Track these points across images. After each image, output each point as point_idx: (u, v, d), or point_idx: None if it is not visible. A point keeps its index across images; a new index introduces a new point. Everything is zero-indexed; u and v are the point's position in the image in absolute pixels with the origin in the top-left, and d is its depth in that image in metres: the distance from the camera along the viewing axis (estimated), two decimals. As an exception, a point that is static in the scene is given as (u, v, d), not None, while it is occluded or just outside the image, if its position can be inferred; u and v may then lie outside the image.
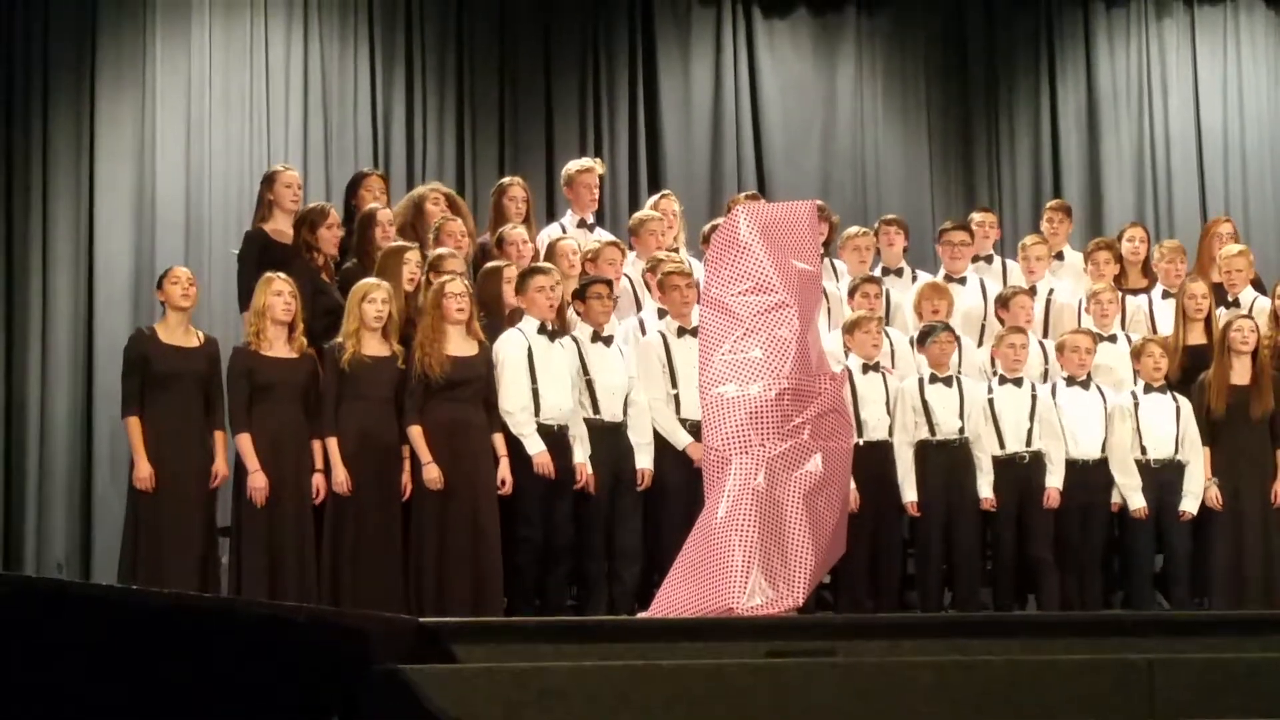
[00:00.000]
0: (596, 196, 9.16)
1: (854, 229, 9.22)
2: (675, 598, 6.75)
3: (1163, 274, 9.04)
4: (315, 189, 9.82)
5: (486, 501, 7.42)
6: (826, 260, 8.77)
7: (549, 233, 8.94)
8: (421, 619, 6.39)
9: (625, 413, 7.81)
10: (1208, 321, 8.46)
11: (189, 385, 7.45)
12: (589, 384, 7.76)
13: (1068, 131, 11.58)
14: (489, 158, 10.91)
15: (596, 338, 7.84)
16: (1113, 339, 8.62)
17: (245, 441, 7.36)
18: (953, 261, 9.07)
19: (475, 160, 10.90)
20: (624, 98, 11.18)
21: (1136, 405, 8.21)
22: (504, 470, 7.51)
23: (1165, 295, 8.94)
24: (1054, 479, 8.08)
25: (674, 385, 7.85)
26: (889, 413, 8.07)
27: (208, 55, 10.31)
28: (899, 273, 9.19)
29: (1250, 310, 8.60)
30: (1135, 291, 9.10)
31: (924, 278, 9.01)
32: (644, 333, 8.15)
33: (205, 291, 8.17)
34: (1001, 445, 8.10)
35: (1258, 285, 8.99)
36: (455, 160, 10.85)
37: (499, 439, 7.55)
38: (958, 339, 8.40)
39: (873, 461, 7.92)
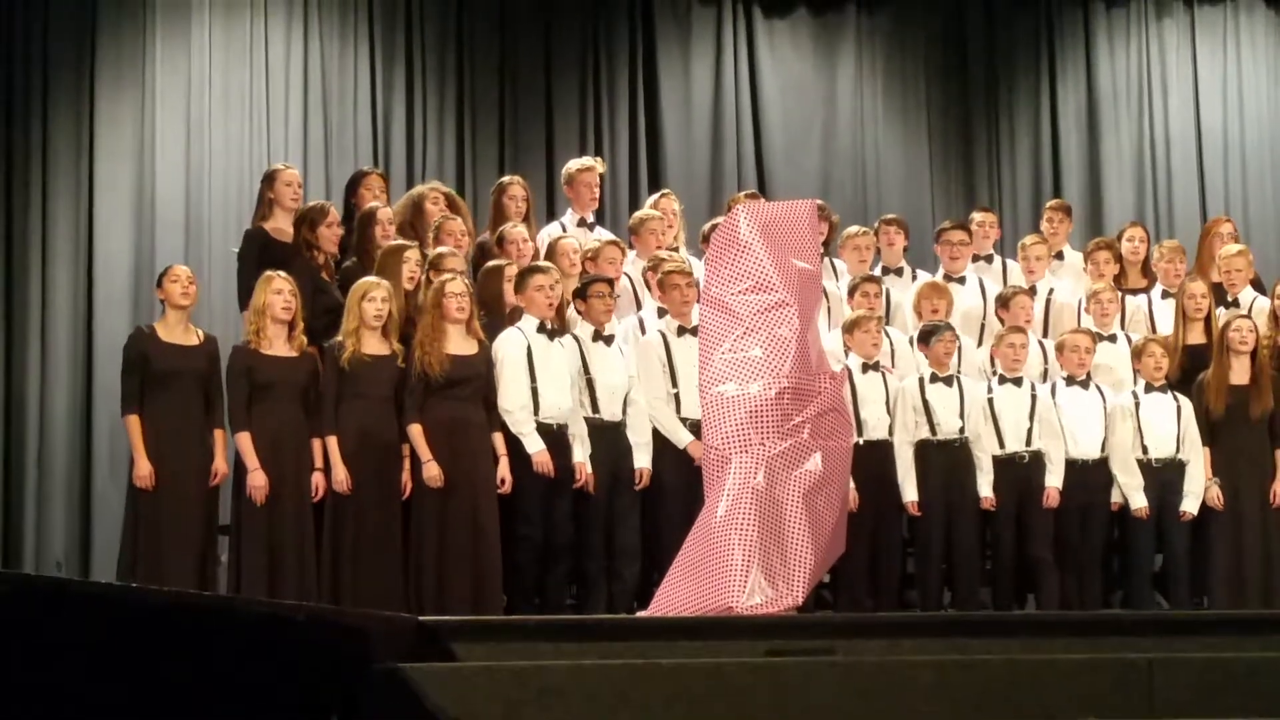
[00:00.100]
0: (597, 195, 9.16)
1: (854, 228, 9.22)
2: (675, 596, 6.76)
3: (1162, 274, 9.04)
4: (315, 188, 9.82)
5: (486, 500, 7.42)
6: (826, 260, 8.77)
7: (549, 232, 8.94)
8: (421, 618, 6.40)
9: (624, 412, 7.81)
10: (1207, 321, 8.46)
11: (189, 384, 7.45)
12: (589, 383, 7.77)
13: (1068, 131, 11.58)
14: (489, 157, 10.92)
15: (597, 336, 7.85)
16: (1112, 339, 8.62)
17: (245, 440, 7.36)
18: (952, 261, 9.07)
19: (475, 159, 10.90)
20: (624, 97, 11.19)
21: (1137, 405, 8.21)
22: (504, 469, 7.52)
23: (1165, 295, 8.94)
24: (1054, 479, 8.08)
25: (674, 384, 7.85)
26: (889, 412, 8.07)
27: (207, 54, 10.32)
28: (899, 272, 9.19)
29: (1250, 310, 8.60)
30: (1135, 291, 9.10)
31: (924, 277, 9.01)
32: (643, 332, 8.15)
33: (205, 290, 8.18)
34: (1001, 445, 8.10)
35: (1257, 285, 8.99)
36: (455, 159, 10.86)
37: (499, 438, 7.56)
38: (957, 338, 8.40)
39: (872, 461, 7.92)
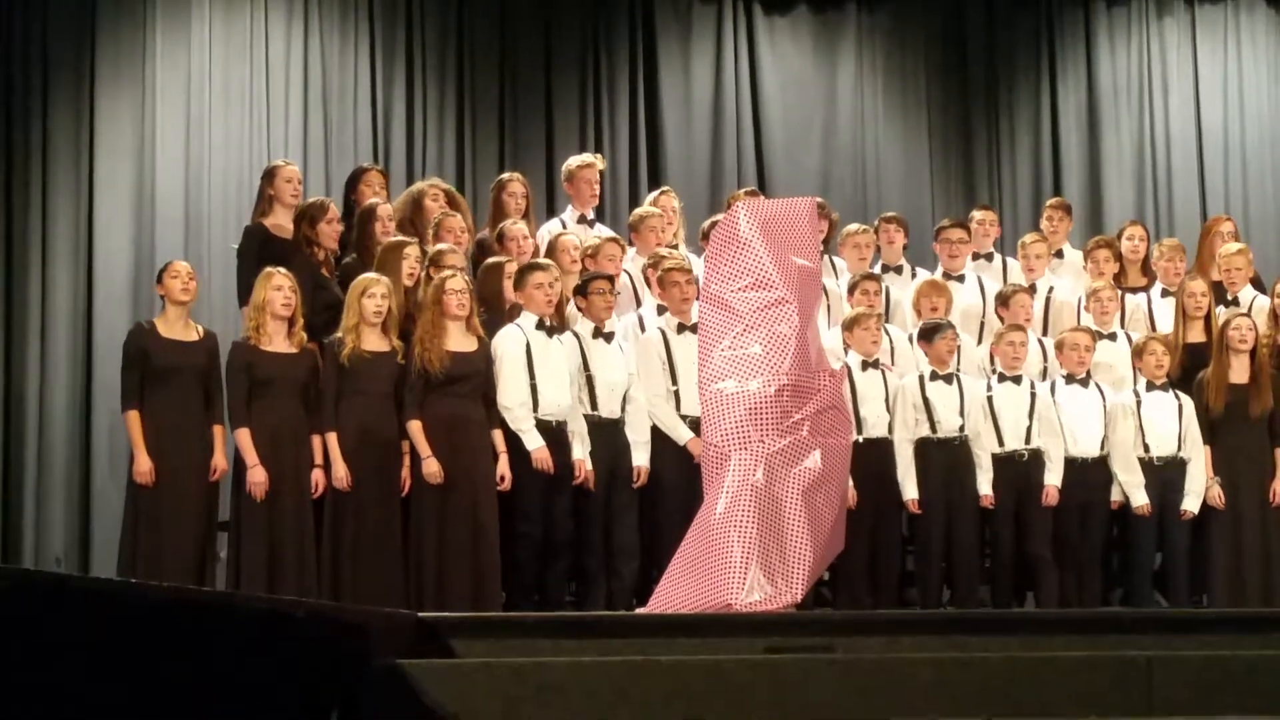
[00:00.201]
0: (597, 192, 9.16)
1: (854, 226, 9.22)
2: (674, 593, 6.76)
3: (1162, 272, 9.04)
4: (315, 184, 9.82)
5: (486, 497, 7.42)
6: (826, 258, 8.77)
7: (549, 228, 8.94)
8: (421, 614, 6.40)
9: (623, 409, 7.81)
10: (1207, 320, 8.46)
11: (188, 380, 7.45)
12: (588, 380, 7.77)
13: (1068, 129, 11.58)
14: (489, 153, 10.92)
15: (597, 334, 7.85)
16: (1112, 337, 8.62)
17: (244, 436, 7.36)
18: (951, 260, 9.07)
19: (475, 156, 10.90)
20: (624, 94, 11.18)
21: (1139, 403, 8.21)
22: (503, 466, 7.52)
23: (1164, 294, 8.94)
24: (1053, 477, 8.09)
25: (674, 382, 7.85)
26: (888, 410, 8.07)
27: (207, 51, 10.31)
28: (899, 270, 9.19)
29: (1249, 309, 8.60)
30: (1135, 290, 9.10)
31: (923, 275, 9.01)
32: (643, 329, 8.15)
33: (205, 287, 8.17)
34: (1000, 443, 8.10)
35: (1257, 284, 8.99)
36: (455, 156, 10.85)
37: (498, 435, 7.56)
38: (958, 337, 8.40)
39: (872, 459, 7.92)
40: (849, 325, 8.17)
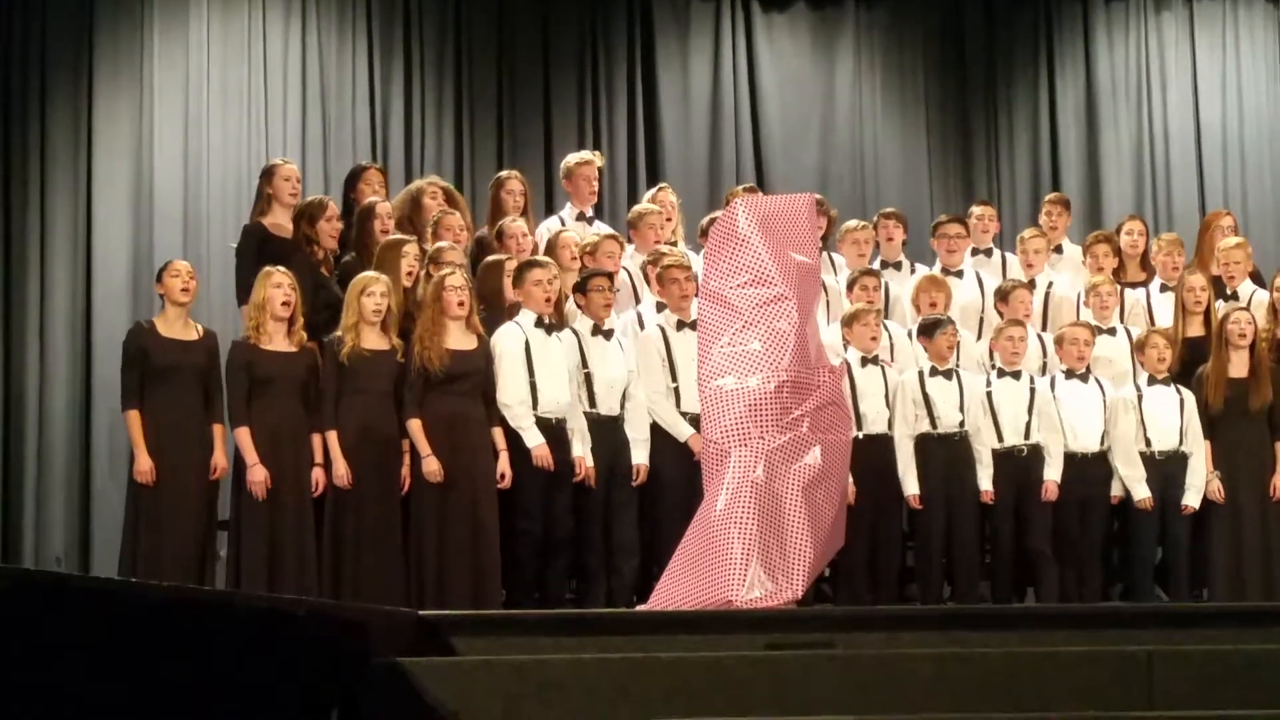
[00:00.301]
0: (596, 189, 9.15)
1: (853, 222, 9.21)
2: (674, 590, 6.76)
3: (1161, 267, 9.04)
4: (314, 183, 9.82)
5: (486, 494, 7.43)
6: (825, 254, 8.77)
7: (548, 226, 8.94)
8: (421, 612, 6.40)
9: (622, 407, 7.81)
10: (1206, 314, 8.46)
11: (188, 379, 7.45)
12: (587, 378, 7.76)
13: (1066, 125, 11.57)
14: (487, 151, 10.92)
15: (596, 331, 7.84)
16: (1112, 332, 8.62)
17: (244, 435, 7.36)
18: (949, 255, 9.07)
19: (474, 154, 10.90)
20: (623, 91, 11.18)
21: (1140, 397, 8.21)
22: (503, 464, 7.52)
23: (1163, 288, 8.94)
24: (1052, 472, 8.09)
25: (674, 379, 7.86)
26: (888, 406, 8.07)
27: (205, 50, 10.31)
28: (898, 266, 9.19)
29: (1249, 303, 8.59)
30: (1134, 285, 9.10)
31: (922, 271, 9.01)
32: (642, 326, 8.14)
33: (204, 286, 8.17)
34: (1000, 438, 8.10)
35: (1256, 278, 8.98)
36: (454, 154, 10.85)
37: (498, 432, 7.56)
38: (958, 332, 8.40)
39: (872, 454, 7.92)
40: (848, 321, 8.17)
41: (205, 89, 10.25)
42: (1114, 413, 8.19)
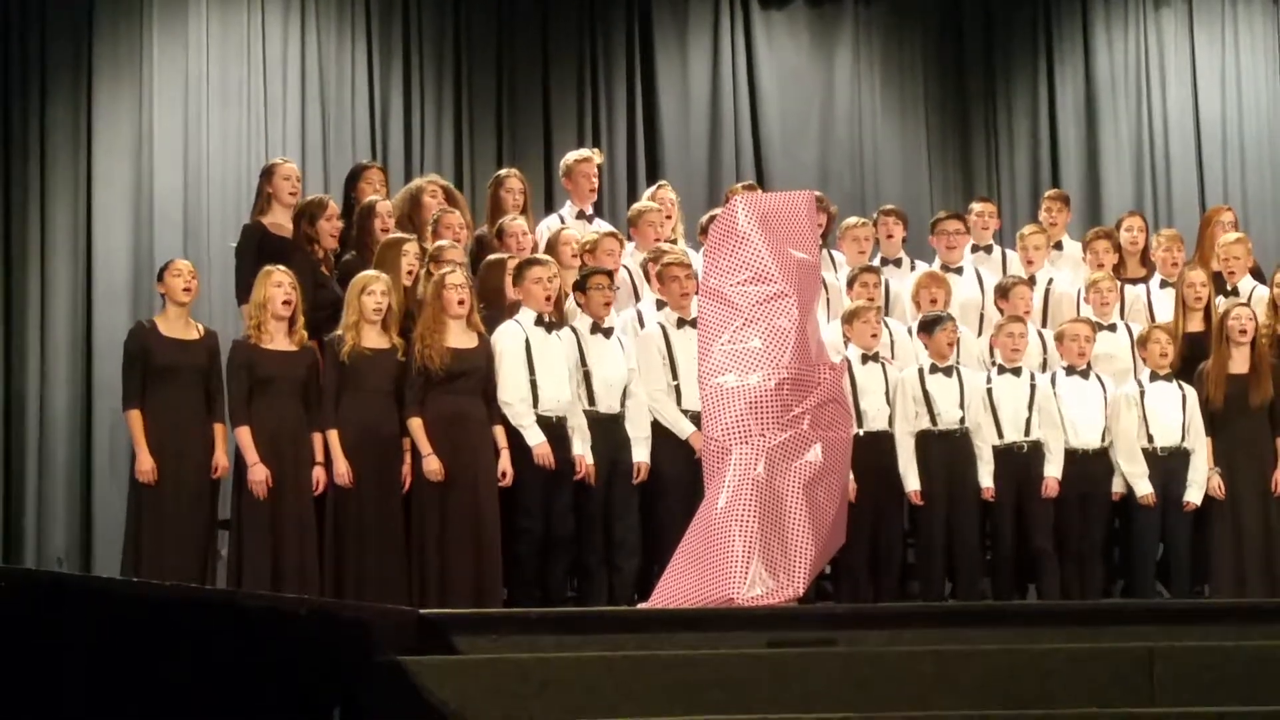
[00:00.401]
0: (596, 186, 9.14)
1: (853, 220, 9.21)
2: (676, 588, 6.76)
3: (1160, 263, 9.03)
4: (313, 182, 9.82)
5: (487, 493, 7.43)
6: (825, 251, 8.76)
7: (548, 224, 8.93)
8: (422, 610, 6.41)
9: (623, 405, 7.81)
10: (1207, 310, 8.45)
11: (189, 378, 7.45)
12: (586, 376, 7.76)
13: (1066, 121, 11.57)
14: (487, 150, 10.92)
15: (596, 329, 7.84)
16: (1112, 328, 8.61)
17: (245, 434, 7.35)
18: (948, 251, 9.07)
19: (473, 152, 10.91)
20: (622, 89, 11.19)
21: (1142, 393, 8.20)
22: (505, 462, 7.51)
23: (1163, 284, 8.93)
24: (1053, 468, 8.08)
25: (674, 377, 7.85)
26: (888, 403, 8.07)
27: (205, 49, 10.31)
28: (898, 263, 9.18)
29: (1249, 299, 8.59)
30: (1134, 281, 9.09)
31: (922, 268, 9.01)
32: (642, 324, 8.14)
33: (204, 285, 8.16)
34: (1000, 435, 8.10)
35: (1256, 274, 8.98)
36: (453, 152, 10.86)
37: (499, 431, 7.56)
38: (958, 329, 8.39)
39: (872, 452, 7.91)
40: (848, 318, 8.17)
41: (205, 88, 10.26)
42: (1116, 409, 8.18)
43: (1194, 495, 8.11)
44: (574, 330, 7.81)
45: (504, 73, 11.06)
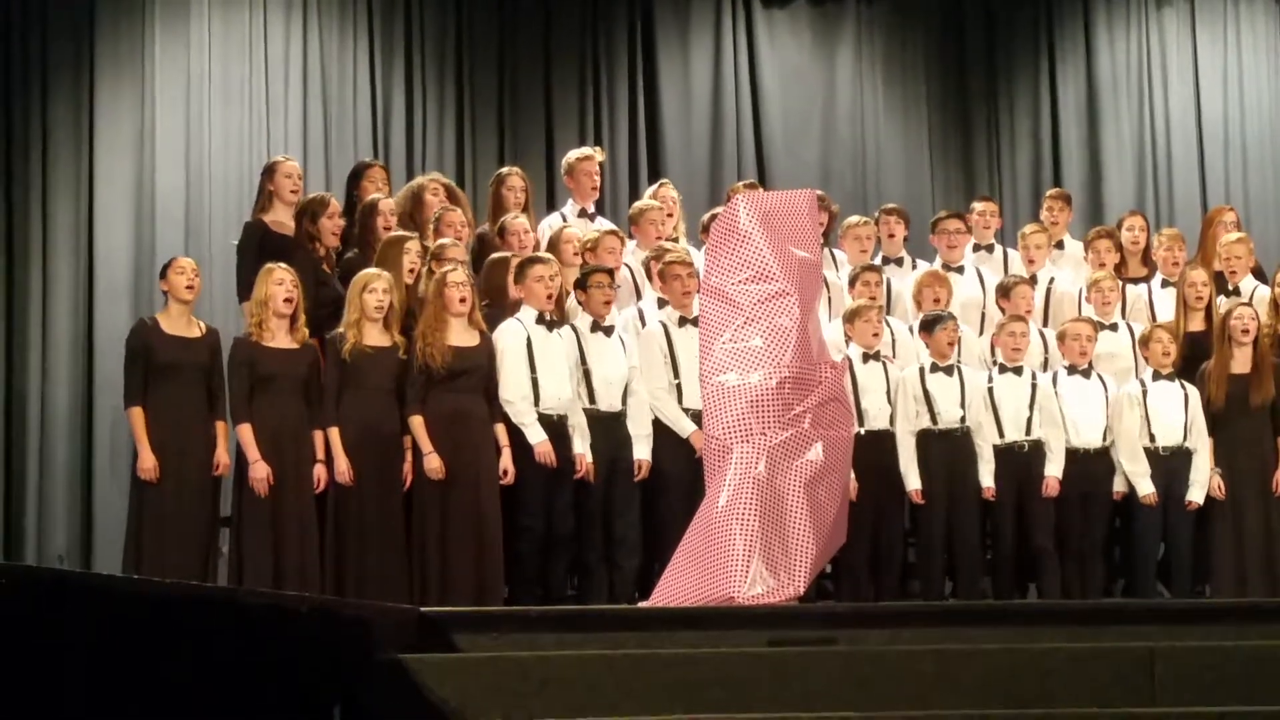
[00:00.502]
0: (598, 185, 9.13)
1: (854, 218, 9.21)
2: (676, 587, 6.76)
3: (1161, 262, 9.03)
4: (315, 180, 9.82)
5: (488, 491, 7.43)
6: (827, 250, 8.76)
7: (550, 222, 8.93)
8: (423, 609, 6.41)
9: (624, 403, 7.81)
10: (1208, 310, 8.45)
11: (191, 376, 7.45)
12: (586, 374, 7.76)
13: (1067, 120, 11.57)
14: (489, 148, 10.92)
15: (596, 327, 7.84)
16: (1114, 328, 8.61)
17: (246, 432, 7.35)
18: (949, 250, 9.07)
19: (475, 150, 10.91)
20: (624, 87, 11.19)
21: (1145, 393, 8.20)
22: (506, 460, 7.52)
23: (1165, 284, 8.93)
24: (1053, 468, 8.08)
25: (676, 375, 7.85)
26: (890, 402, 8.07)
27: (207, 47, 10.32)
28: (899, 262, 9.19)
29: (1250, 299, 8.59)
30: (1135, 280, 9.09)
31: (924, 267, 9.01)
32: (644, 323, 8.14)
33: (205, 283, 8.16)
34: (1001, 434, 8.10)
35: (1258, 274, 8.98)
36: (455, 150, 10.86)
37: (501, 429, 7.56)
38: (959, 328, 8.39)
39: (873, 451, 7.91)
40: (850, 317, 8.17)
41: (207, 86, 10.26)
42: (1119, 408, 8.18)
43: (1196, 495, 8.11)
44: (574, 329, 7.81)
45: (506, 71, 11.06)
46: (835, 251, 9.10)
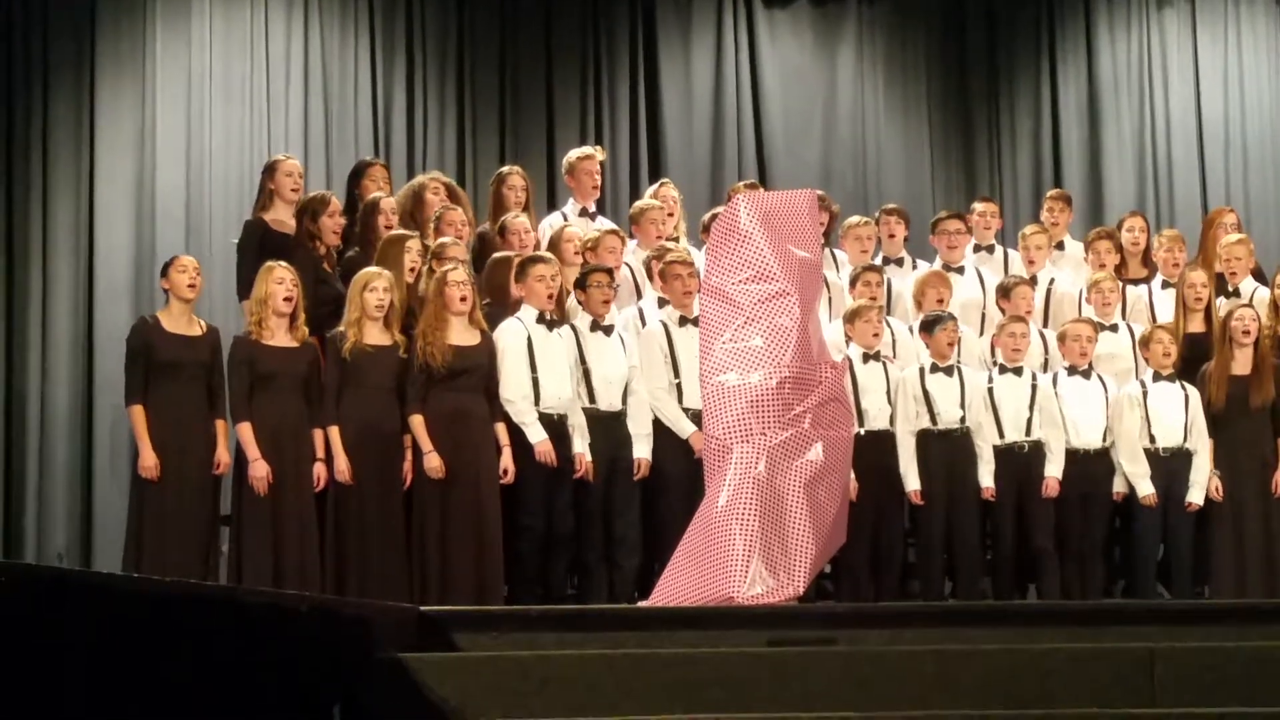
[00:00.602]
0: (599, 184, 9.13)
1: (855, 219, 9.21)
2: (676, 586, 6.76)
3: (1162, 263, 9.03)
4: (315, 178, 9.82)
5: (488, 490, 7.43)
6: (827, 250, 8.76)
7: (551, 222, 8.93)
8: (423, 608, 6.41)
9: (624, 402, 7.81)
10: (1207, 311, 8.45)
11: (192, 374, 7.44)
12: (585, 373, 7.76)
13: (1068, 121, 11.57)
14: (489, 147, 10.92)
15: (596, 327, 7.84)
16: (1114, 328, 8.61)
17: (246, 430, 7.35)
18: (949, 251, 9.06)
19: (476, 149, 10.91)
20: (625, 87, 11.19)
21: (1145, 393, 8.20)
22: (506, 460, 7.51)
23: (1165, 285, 8.93)
24: (1053, 468, 8.08)
25: (676, 375, 7.85)
26: (890, 402, 8.07)
27: (208, 45, 10.32)
28: (899, 262, 9.19)
29: (1250, 300, 8.59)
30: (1135, 281, 9.09)
31: (924, 267, 9.01)
32: (644, 322, 8.14)
33: (206, 281, 8.17)
34: (1001, 435, 8.10)
35: (1258, 275, 8.97)
36: (456, 149, 10.86)
37: (501, 428, 7.56)
38: (959, 329, 8.39)
39: (874, 451, 7.91)
40: (850, 317, 8.17)
41: (207, 85, 10.26)
42: (1119, 409, 8.18)
43: (1196, 496, 8.11)
44: (574, 328, 7.81)
45: (507, 70, 11.06)
46: (836, 251, 9.10)
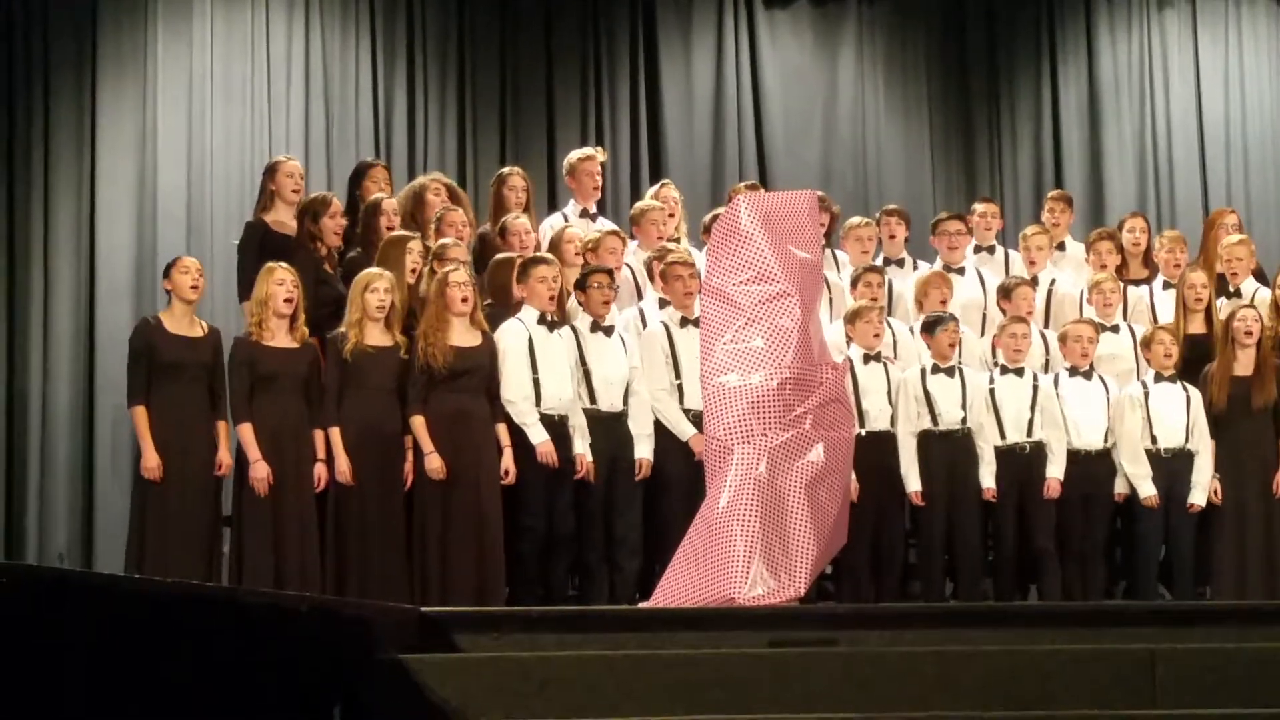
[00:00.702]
0: (599, 184, 9.14)
1: (856, 219, 9.21)
2: (677, 587, 6.75)
3: (1162, 264, 9.03)
4: (316, 179, 9.83)
5: (489, 491, 7.43)
6: (828, 251, 8.76)
7: (551, 223, 8.93)
8: (424, 609, 6.41)
9: (626, 403, 7.80)
10: (1208, 312, 8.45)
11: (194, 375, 7.45)
12: (586, 374, 7.76)
13: (1069, 122, 11.57)
14: (490, 148, 10.92)
15: (596, 328, 7.84)
16: (1115, 329, 8.61)
17: (246, 431, 7.35)
18: (950, 252, 9.06)
19: (477, 150, 10.91)
20: (625, 88, 11.19)
21: (1147, 394, 8.20)
22: (507, 460, 7.51)
23: (1166, 286, 8.93)
24: (1055, 469, 8.08)
25: (677, 375, 7.85)
26: (891, 403, 8.07)
27: (209, 46, 10.32)
28: (900, 263, 9.19)
29: (1252, 301, 8.59)
30: (1136, 282, 9.09)
31: (925, 268, 9.01)
32: (645, 323, 8.14)
33: (207, 282, 8.17)
34: (1002, 435, 8.10)
35: (1259, 276, 8.97)
36: (456, 150, 10.86)
37: (502, 429, 7.56)
38: (960, 329, 8.39)
39: (874, 452, 7.91)
40: (851, 318, 8.17)
41: (209, 86, 10.26)
42: (1120, 410, 8.18)
43: (1198, 497, 8.11)
44: (574, 329, 7.81)
45: (507, 71, 11.06)
46: (836, 252, 9.10)
